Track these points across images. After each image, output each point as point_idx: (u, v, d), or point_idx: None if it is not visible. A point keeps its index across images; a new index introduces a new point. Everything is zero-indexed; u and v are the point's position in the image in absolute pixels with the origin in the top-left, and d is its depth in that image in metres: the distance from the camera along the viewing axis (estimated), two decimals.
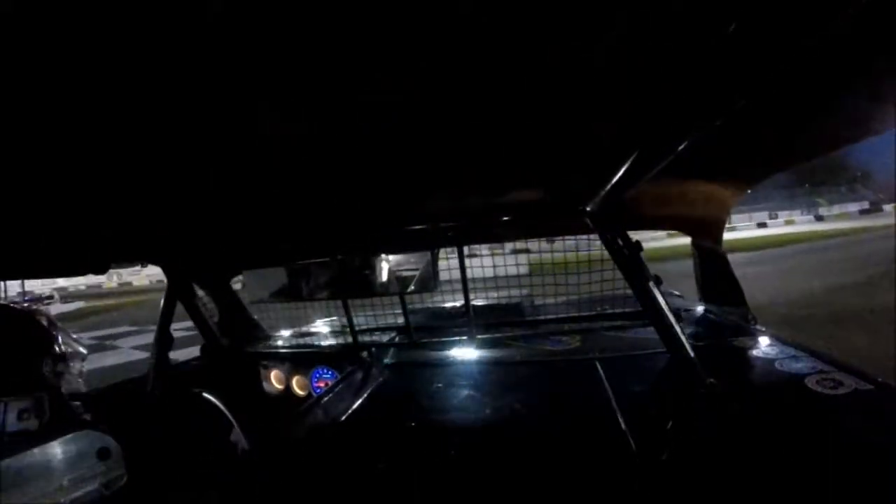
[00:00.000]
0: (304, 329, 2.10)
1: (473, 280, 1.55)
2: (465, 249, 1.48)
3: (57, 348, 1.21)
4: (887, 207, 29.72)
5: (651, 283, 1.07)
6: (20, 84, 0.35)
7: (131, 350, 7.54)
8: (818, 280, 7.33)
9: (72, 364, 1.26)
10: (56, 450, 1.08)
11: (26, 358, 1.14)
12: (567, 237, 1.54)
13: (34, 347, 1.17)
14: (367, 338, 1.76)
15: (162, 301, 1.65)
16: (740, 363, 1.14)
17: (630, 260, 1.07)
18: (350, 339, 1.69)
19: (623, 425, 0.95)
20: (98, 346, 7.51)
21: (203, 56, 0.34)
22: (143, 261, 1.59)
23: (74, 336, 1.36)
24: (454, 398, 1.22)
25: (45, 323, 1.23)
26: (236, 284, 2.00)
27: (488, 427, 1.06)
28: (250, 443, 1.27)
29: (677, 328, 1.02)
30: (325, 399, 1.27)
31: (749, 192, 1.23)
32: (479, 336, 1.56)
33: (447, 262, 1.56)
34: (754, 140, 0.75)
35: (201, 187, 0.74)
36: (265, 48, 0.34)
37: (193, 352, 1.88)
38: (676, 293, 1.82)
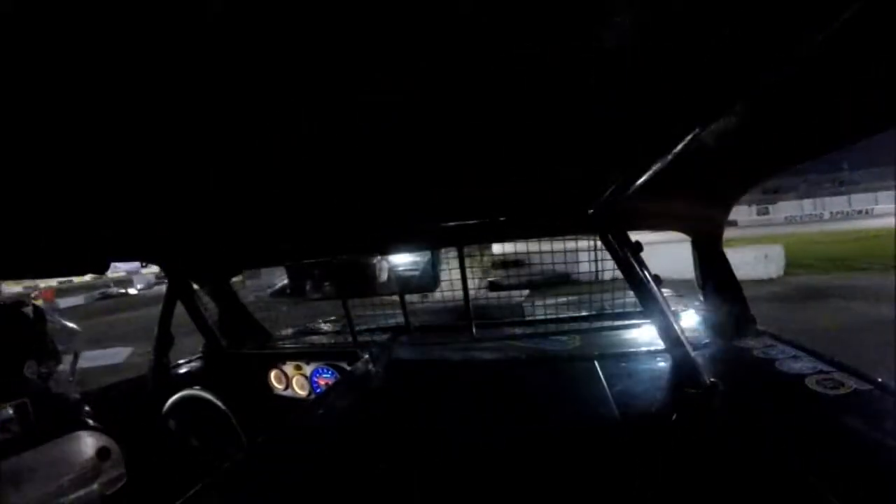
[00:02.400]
0: (304, 329, 2.10)
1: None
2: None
3: (43, 346, 1.11)
4: None
5: (651, 283, 1.07)
6: (21, 85, 0.35)
7: None
8: None
9: (61, 363, 1.16)
10: (56, 450, 1.08)
11: (6, 361, 1.04)
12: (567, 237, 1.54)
13: (16, 348, 1.06)
14: (367, 338, 1.76)
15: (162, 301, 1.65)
16: (740, 363, 1.14)
17: (630, 260, 1.07)
18: (350, 339, 1.69)
19: (623, 425, 0.95)
20: None
21: (202, 57, 0.34)
22: (144, 261, 1.59)
23: (70, 327, 1.28)
24: (454, 398, 1.22)
25: (31, 318, 1.13)
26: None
27: (488, 426, 1.06)
28: (250, 442, 1.27)
29: (677, 328, 1.02)
30: (325, 399, 1.27)
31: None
32: (479, 336, 1.56)
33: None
34: (754, 140, 0.75)
35: (201, 188, 0.74)
36: (265, 48, 0.34)
37: None
38: (677, 293, 1.82)
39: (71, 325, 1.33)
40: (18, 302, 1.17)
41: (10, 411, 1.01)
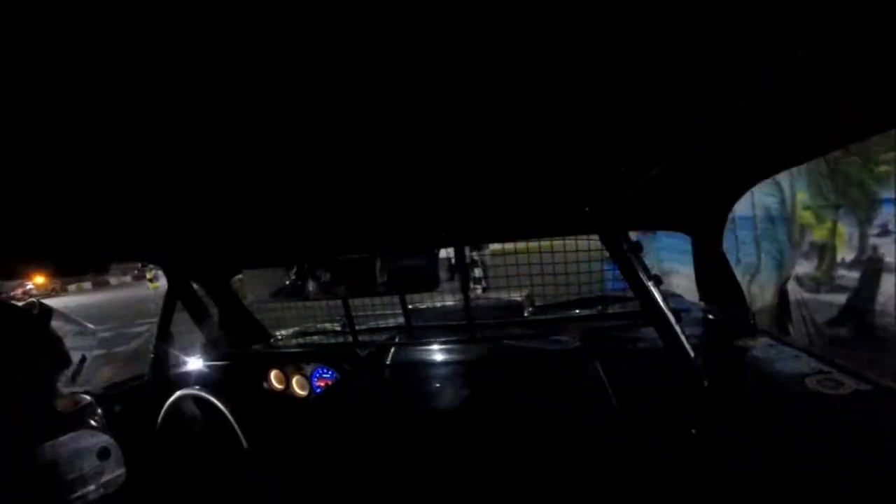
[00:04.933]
0: (304, 329, 2.10)
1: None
2: None
3: (43, 352, 1.06)
4: None
5: (651, 283, 1.07)
6: (21, 85, 0.35)
7: None
8: None
9: (68, 367, 1.12)
10: (55, 450, 1.08)
11: None
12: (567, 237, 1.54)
13: (5, 355, 1.00)
14: (367, 338, 1.76)
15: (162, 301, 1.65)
16: (740, 363, 1.14)
17: (630, 260, 1.07)
18: (350, 339, 1.69)
19: (623, 425, 0.95)
20: None
21: (203, 56, 0.34)
22: (144, 261, 1.59)
23: (85, 326, 1.25)
24: (454, 398, 1.22)
25: (31, 319, 1.06)
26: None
27: (488, 426, 1.06)
28: (250, 443, 1.27)
29: (677, 328, 1.02)
30: (325, 399, 1.27)
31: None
32: (479, 336, 1.56)
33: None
34: (754, 140, 0.75)
35: (201, 187, 0.74)
36: (264, 47, 0.34)
37: None
38: (677, 293, 1.82)
39: (88, 324, 1.31)
40: (28, 304, 1.10)
41: None
